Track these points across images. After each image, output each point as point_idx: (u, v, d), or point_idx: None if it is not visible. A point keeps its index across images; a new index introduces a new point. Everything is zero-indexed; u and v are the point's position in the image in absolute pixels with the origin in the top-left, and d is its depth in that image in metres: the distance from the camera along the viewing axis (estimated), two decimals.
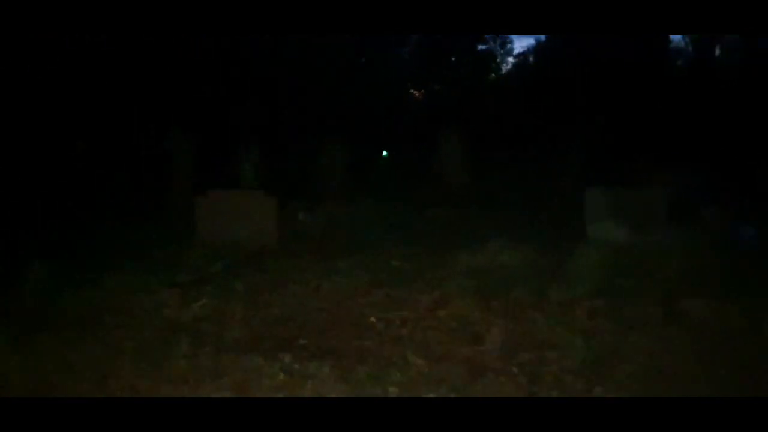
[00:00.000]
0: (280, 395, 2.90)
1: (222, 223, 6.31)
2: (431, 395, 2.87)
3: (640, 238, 5.43)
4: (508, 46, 37.54)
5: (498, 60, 37.22)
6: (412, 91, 29.32)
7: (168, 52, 10.48)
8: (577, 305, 4.06)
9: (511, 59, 37.51)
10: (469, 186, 10.70)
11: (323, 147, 10.92)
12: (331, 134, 11.19)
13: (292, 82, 13.64)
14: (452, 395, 2.87)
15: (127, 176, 9.38)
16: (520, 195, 9.50)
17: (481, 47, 35.93)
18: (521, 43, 64.95)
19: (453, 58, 35.17)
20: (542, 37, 33.52)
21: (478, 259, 5.00)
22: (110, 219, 7.46)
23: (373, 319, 3.78)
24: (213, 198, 6.37)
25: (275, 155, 10.80)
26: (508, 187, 10.18)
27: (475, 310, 3.93)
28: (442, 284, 4.50)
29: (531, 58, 35.21)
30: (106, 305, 4.12)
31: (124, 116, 10.18)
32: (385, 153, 14.74)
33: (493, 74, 36.28)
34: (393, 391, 2.92)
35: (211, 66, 11.45)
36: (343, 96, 17.34)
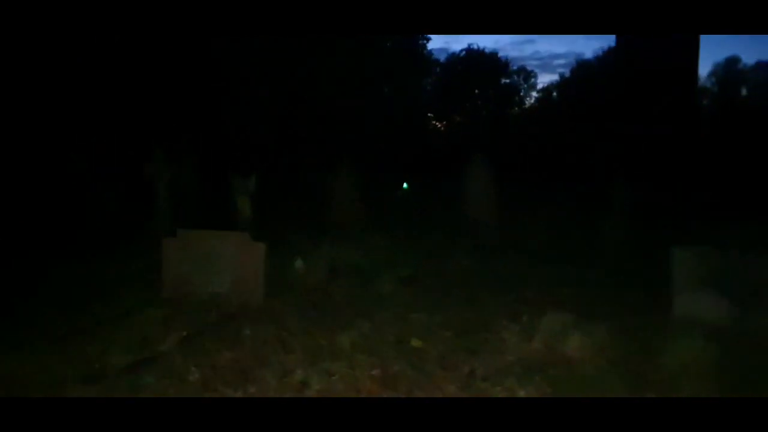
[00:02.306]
0: None
1: (194, 273, 4.94)
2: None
3: (755, 321, 3.93)
4: (532, 80, 36.75)
5: (521, 93, 36.39)
6: (434, 122, 28.26)
7: (158, 60, 9.34)
8: None
9: (534, 93, 36.62)
10: (499, 227, 9.24)
11: (334, 178, 9.64)
12: (345, 164, 9.90)
13: (303, 105, 12.43)
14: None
15: (103, 203, 8.12)
16: (563, 243, 8.02)
17: (504, 81, 35.12)
18: (543, 79, 64.67)
19: (476, 90, 34.31)
20: (566, 72, 32.61)
21: (533, 346, 3.54)
22: (66, 255, 6.15)
23: None
24: (184, 240, 5.01)
25: (277, 186, 9.55)
26: (545, 232, 8.69)
27: None
28: (487, 390, 3.04)
29: (554, 94, 34.31)
30: None
31: (104, 133, 9.00)
32: (405, 185, 13.42)
33: (516, 108, 35.36)
34: None
35: (209, 84, 10.28)
36: (360, 124, 16.18)
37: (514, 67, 35.60)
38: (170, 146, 7.66)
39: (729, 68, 27.60)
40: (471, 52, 31.75)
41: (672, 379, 3.14)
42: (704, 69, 26.53)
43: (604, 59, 27.22)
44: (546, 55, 61.82)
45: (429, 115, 28.15)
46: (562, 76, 32.79)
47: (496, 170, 10.56)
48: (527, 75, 36.37)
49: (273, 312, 4.62)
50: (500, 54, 33.82)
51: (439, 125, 29.16)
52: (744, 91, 28.53)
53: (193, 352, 3.68)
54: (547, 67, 67.28)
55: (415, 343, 3.86)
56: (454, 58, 31.75)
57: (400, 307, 4.80)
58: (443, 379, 3.26)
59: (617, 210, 9.24)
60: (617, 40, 20.31)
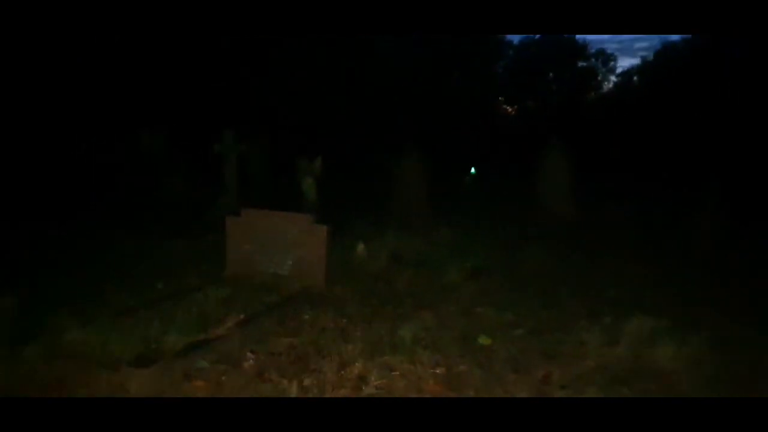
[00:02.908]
0: None
1: (257, 253, 4.87)
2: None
3: None
4: (611, 63, 34.59)
5: (599, 78, 34.39)
6: (505, 106, 27.32)
7: (229, 45, 9.40)
8: None
9: (613, 78, 34.49)
10: (577, 220, 8.64)
11: (400, 163, 9.38)
12: (412, 149, 9.61)
13: (372, 90, 12.21)
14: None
15: (172, 183, 8.30)
16: (649, 239, 7.36)
17: (581, 64, 33.32)
18: (623, 63, 60.79)
19: (550, 74, 32.79)
20: (649, 55, 30.44)
21: (618, 352, 3.14)
22: (134, 232, 6.27)
23: None
24: (248, 219, 4.95)
25: (343, 170, 9.43)
26: (629, 227, 8.03)
27: None
28: None
29: (635, 78, 32.14)
30: (34, 378, 2.73)
31: (174, 115, 9.19)
32: (473, 170, 12.98)
33: (593, 93, 33.51)
34: None
35: (278, 65, 10.25)
36: (429, 108, 15.80)
37: (592, 50, 33.68)
38: (238, 127, 7.67)
39: None
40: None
41: None
42: None
43: (693, 42, 25.08)
44: (627, 38, 57.72)
45: (500, 98, 27.23)
46: (644, 59, 30.60)
47: (572, 158, 9.90)
48: (606, 58, 34.29)
49: (334, 298, 4.46)
50: (577, 36, 31.97)
51: (510, 110, 28.16)
52: None
53: (250, 336, 3.57)
54: (627, 51, 63.20)
55: (483, 340, 3.56)
56: (528, 39, 30.44)
57: (467, 300, 4.50)
58: (514, 383, 2.95)
59: (711, 206, 8.38)
60: None
